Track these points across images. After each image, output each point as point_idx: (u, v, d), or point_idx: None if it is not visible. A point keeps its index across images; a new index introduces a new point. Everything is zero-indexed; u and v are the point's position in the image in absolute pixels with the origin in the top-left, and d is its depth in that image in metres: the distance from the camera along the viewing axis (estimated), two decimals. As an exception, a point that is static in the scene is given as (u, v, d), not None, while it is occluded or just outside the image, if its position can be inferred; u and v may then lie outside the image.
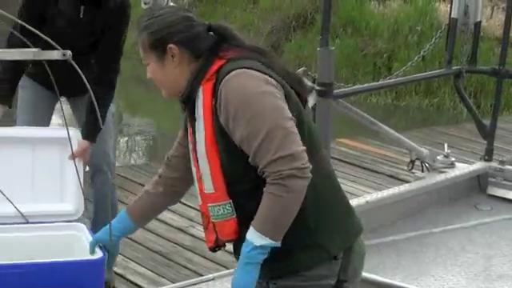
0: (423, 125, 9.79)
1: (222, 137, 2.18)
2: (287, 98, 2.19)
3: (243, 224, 2.20)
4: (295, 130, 2.13)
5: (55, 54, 1.86)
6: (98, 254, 2.57)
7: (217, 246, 2.35)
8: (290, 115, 2.14)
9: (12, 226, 2.90)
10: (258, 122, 2.10)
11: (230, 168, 2.20)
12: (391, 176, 6.05)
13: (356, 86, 5.27)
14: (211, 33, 2.30)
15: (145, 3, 3.26)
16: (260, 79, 2.16)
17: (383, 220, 4.58)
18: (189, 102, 2.28)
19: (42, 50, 3.16)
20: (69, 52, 1.82)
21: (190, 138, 2.36)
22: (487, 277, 3.99)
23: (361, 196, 4.89)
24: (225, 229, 2.26)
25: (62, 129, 3.53)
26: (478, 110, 9.85)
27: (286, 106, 2.15)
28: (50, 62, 2.81)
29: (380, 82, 6.08)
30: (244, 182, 2.20)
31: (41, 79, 3.83)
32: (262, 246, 2.12)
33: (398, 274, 3.85)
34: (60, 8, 3.68)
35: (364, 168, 6.34)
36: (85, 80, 1.80)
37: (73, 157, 3.25)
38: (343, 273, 2.27)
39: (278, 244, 2.14)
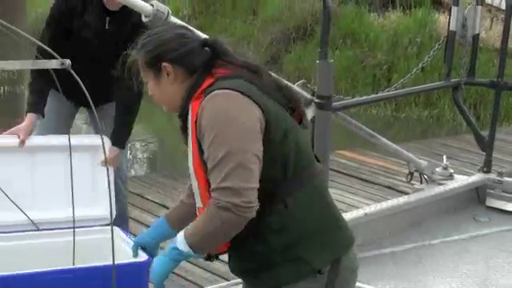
0: (423, 136, 9.81)
1: (203, 154, 2.21)
2: (270, 118, 2.19)
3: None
4: (252, 165, 2.12)
5: (54, 63, 1.87)
6: (142, 256, 2.66)
7: (210, 256, 2.37)
8: (255, 148, 2.14)
9: (49, 231, 3.04)
10: (218, 145, 2.12)
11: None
12: (390, 187, 6.06)
13: (355, 99, 5.28)
14: (207, 48, 2.32)
15: (146, 16, 3.28)
16: (239, 103, 2.17)
17: (382, 231, 4.60)
18: (184, 119, 2.30)
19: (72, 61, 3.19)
20: (68, 61, 1.83)
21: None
22: (485, 288, 4.01)
23: (359, 208, 4.91)
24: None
25: (92, 136, 3.60)
26: (477, 122, 9.91)
27: (254, 137, 2.15)
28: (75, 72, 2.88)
29: (379, 95, 6.08)
30: None
31: (62, 89, 3.85)
32: (181, 251, 2.19)
33: (396, 285, 3.87)
34: (86, 20, 3.72)
35: (362, 179, 6.35)
36: (86, 92, 1.81)
37: (105, 162, 3.29)
38: (330, 286, 2.26)
39: (197, 256, 2.24)
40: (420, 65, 5.66)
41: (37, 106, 3.71)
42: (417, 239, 4.64)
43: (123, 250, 2.89)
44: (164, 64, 2.28)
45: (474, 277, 4.15)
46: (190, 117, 2.23)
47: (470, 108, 11.23)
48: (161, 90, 2.33)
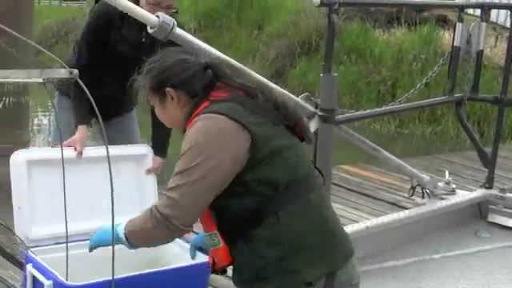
0: (426, 152, 9.79)
1: None
2: (257, 138, 2.22)
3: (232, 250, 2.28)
4: (207, 191, 2.20)
5: (63, 72, 1.88)
6: (201, 256, 2.76)
7: (215, 270, 2.40)
8: (217, 173, 2.19)
9: None
10: (182, 160, 2.21)
11: (213, 202, 2.25)
12: (392, 203, 6.05)
13: (358, 113, 5.30)
14: (209, 70, 2.37)
15: (151, 28, 3.30)
16: (220, 126, 2.21)
17: (383, 245, 4.60)
18: None
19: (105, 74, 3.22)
20: (75, 70, 1.85)
21: None
22: (486, 304, 4.01)
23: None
24: (218, 256, 2.33)
25: (135, 146, 3.68)
26: (481, 139, 9.94)
27: (223, 166, 2.19)
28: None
29: (382, 109, 6.10)
30: (224, 215, 2.27)
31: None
32: (117, 234, 2.36)
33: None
34: (123, 33, 3.76)
35: (365, 195, 6.34)
36: (93, 104, 1.82)
37: (152, 169, 3.53)
38: None
39: (128, 247, 2.39)
40: (424, 80, 5.69)
41: (87, 118, 3.75)
42: (418, 254, 4.64)
43: (178, 253, 3.08)
44: (168, 89, 2.35)
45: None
46: None
47: (473, 125, 11.24)
48: (166, 113, 2.42)
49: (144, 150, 3.54)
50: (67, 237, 2.76)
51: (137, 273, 2.76)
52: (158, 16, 3.25)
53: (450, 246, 4.87)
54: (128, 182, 3.46)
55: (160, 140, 3.81)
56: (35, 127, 10.75)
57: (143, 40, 3.79)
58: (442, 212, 5.07)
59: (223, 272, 2.42)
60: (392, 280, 4.23)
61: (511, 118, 11.47)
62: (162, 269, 2.88)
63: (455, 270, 4.47)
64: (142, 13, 3.24)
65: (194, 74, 2.35)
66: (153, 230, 2.25)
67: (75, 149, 3.44)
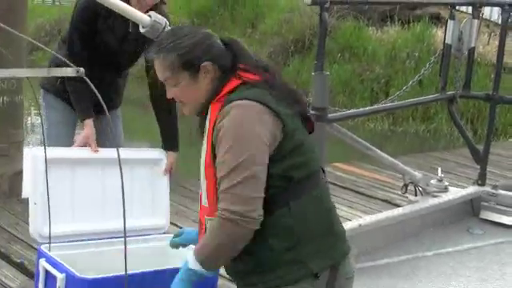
0: (420, 150, 9.82)
1: (215, 157, 2.26)
2: (287, 130, 2.25)
3: None
4: (262, 175, 2.19)
5: (69, 71, 1.88)
6: None
7: None
8: (265, 159, 2.20)
9: (118, 239, 3.19)
10: (232, 153, 2.17)
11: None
12: (386, 201, 6.07)
13: (350, 111, 5.32)
14: (229, 45, 2.38)
15: (143, 27, 3.30)
16: (258, 115, 2.22)
17: (376, 243, 4.62)
18: (203, 118, 2.36)
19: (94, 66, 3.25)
20: (82, 69, 1.85)
21: None
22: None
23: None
24: None
25: (150, 150, 3.70)
26: (474, 137, 9.99)
27: (265, 149, 2.20)
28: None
29: (374, 107, 6.12)
30: None
31: (68, 99, 3.88)
32: (194, 270, 2.25)
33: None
34: (109, 24, 3.77)
35: (359, 193, 6.36)
36: (101, 101, 1.82)
37: (168, 170, 3.58)
38: None
39: (209, 274, 2.26)
40: (416, 77, 5.70)
41: (91, 110, 3.74)
42: (411, 251, 4.66)
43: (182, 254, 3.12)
44: (205, 63, 2.31)
45: (467, 289, 4.17)
46: (208, 117, 2.29)
47: (467, 123, 11.28)
48: (194, 90, 2.35)
49: (158, 154, 3.59)
50: (125, 231, 2.82)
51: (149, 269, 2.80)
52: (149, 15, 3.26)
53: (443, 242, 4.89)
54: (141, 185, 3.51)
55: (171, 133, 3.79)
56: (29, 126, 10.77)
57: (130, 30, 3.79)
58: (434, 209, 5.09)
59: None
60: (385, 277, 4.25)
61: (505, 115, 11.51)
62: (173, 267, 2.84)
63: (447, 267, 4.49)
64: (133, 12, 3.24)
65: (221, 50, 2.35)
66: (229, 235, 2.18)
67: (90, 147, 3.47)
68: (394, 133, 11.87)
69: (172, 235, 2.86)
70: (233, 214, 2.14)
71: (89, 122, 3.70)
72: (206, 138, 2.29)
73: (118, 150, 1.90)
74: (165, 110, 3.76)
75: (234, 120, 2.20)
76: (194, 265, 2.24)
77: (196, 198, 6.35)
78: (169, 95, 2.40)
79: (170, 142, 3.74)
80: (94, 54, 3.77)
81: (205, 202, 2.32)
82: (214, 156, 2.24)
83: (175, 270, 2.85)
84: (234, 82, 2.31)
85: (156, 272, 2.81)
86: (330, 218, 2.38)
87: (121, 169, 1.88)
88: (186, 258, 2.28)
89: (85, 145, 3.59)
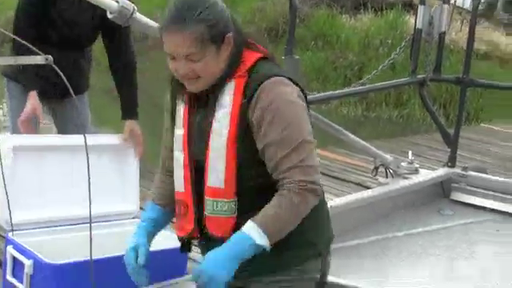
0: (393, 135, 9.90)
1: (245, 136, 2.21)
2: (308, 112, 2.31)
3: (240, 224, 2.20)
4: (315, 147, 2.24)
5: (38, 59, 1.87)
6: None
7: (191, 238, 2.39)
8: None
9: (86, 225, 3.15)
10: (293, 130, 2.17)
11: (244, 168, 2.22)
12: (358, 184, 6.13)
13: (321, 94, 5.35)
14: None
15: (111, 13, 3.28)
16: (294, 90, 2.24)
17: (347, 224, 4.63)
18: (211, 93, 2.26)
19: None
20: (50, 57, 1.84)
21: (182, 122, 2.35)
22: (449, 278, 4.06)
23: (328, 205, 4.95)
24: (221, 225, 2.25)
25: (118, 135, 3.68)
26: (447, 121, 10.07)
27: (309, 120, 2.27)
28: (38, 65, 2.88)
29: (344, 90, 6.13)
30: (251, 184, 2.23)
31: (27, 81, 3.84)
32: (258, 246, 2.12)
33: (361, 277, 3.90)
34: (61, 7, 3.73)
35: (332, 177, 6.41)
36: (68, 84, 1.83)
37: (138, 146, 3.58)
38: (327, 268, 2.45)
39: (268, 248, 2.15)
40: (387, 61, 5.75)
41: (36, 82, 3.69)
42: (381, 232, 4.68)
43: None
44: (228, 35, 2.22)
45: (437, 267, 4.21)
46: (229, 94, 2.22)
47: (439, 107, 11.38)
48: (217, 64, 2.22)
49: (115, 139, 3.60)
50: (90, 216, 2.84)
51: (116, 254, 2.75)
52: (117, 1, 3.24)
53: (413, 223, 4.92)
54: (110, 170, 3.53)
55: (131, 98, 3.77)
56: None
57: (81, 14, 3.77)
58: (405, 191, 5.12)
59: (189, 249, 2.46)
60: (354, 257, 4.27)
61: (477, 101, 11.61)
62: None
63: (417, 247, 4.52)
64: (99, -2, 3.22)
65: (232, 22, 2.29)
66: (308, 204, 2.17)
67: (39, 120, 3.49)
68: (367, 118, 11.93)
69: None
70: (312, 184, 2.14)
71: (33, 94, 3.65)
72: (227, 115, 2.21)
73: (84, 136, 1.91)
74: (127, 83, 3.76)
75: (283, 97, 2.19)
76: (262, 240, 2.12)
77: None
78: (183, 71, 2.22)
79: (129, 111, 3.74)
80: (51, 30, 3.74)
81: (218, 183, 2.23)
82: (243, 133, 2.20)
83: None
84: (251, 56, 2.26)
85: (116, 258, 2.75)
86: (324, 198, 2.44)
87: (87, 154, 1.90)
88: (245, 234, 2.13)
89: (31, 116, 3.56)
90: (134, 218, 3.57)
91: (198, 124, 2.30)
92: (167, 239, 2.82)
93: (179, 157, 2.34)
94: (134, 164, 3.62)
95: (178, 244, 2.49)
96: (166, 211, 2.53)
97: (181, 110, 2.36)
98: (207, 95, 2.26)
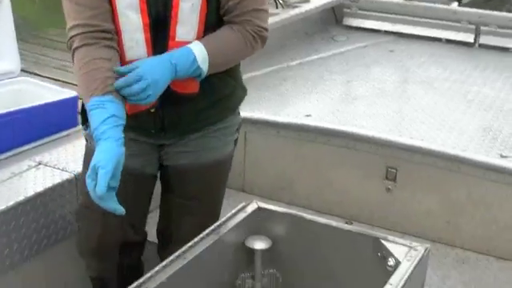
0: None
1: None
2: None
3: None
4: None
5: None
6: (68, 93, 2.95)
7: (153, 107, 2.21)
8: None
9: None
10: None
11: (209, 17, 2.15)
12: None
13: None
14: None
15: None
16: None
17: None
18: None
19: None
20: None
21: None
22: (345, 99, 4.02)
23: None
24: (189, 83, 2.16)
25: None
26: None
27: None
28: None
29: None
30: (211, 31, 2.17)
31: None
32: (197, 68, 2.08)
33: (260, 108, 3.83)
34: None
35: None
36: None
37: None
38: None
39: (203, 75, 2.13)
40: None
41: None
42: (275, 63, 4.60)
43: (39, 94, 3.13)
44: None
45: (333, 90, 4.16)
46: None
47: None
48: None
49: None
50: None
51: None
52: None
53: (308, 52, 4.86)
54: None
55: None
56: None
57: None
58: (296, 19, 5.01)
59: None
60: (252, 90, 4.14)
61: None
62: (28, 106, 2.90)
63: (313, 74, 4.47)
64: None
65: None
66: (254, 49, 2.22)
67: None
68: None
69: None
70: (266, 32, 2.21)
71: None
72: None
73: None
74: None
75: None
76: (203, 63, 2.09)
77: (58, 47, 6.10)
78: None
79: None
80: None
81: (188, 35, 2.12)
82: None
83: (29, 111, 2.85)
84: None
85: (9, 113, 2.81)
86: None
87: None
88: (190, 51, 2.07)
89: None
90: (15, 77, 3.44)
91: None
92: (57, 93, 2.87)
93: (133, 19, 2.09)
94: (8, 22, 3.45)
95: (67, 96, 2.61)
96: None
97: None
98: None
